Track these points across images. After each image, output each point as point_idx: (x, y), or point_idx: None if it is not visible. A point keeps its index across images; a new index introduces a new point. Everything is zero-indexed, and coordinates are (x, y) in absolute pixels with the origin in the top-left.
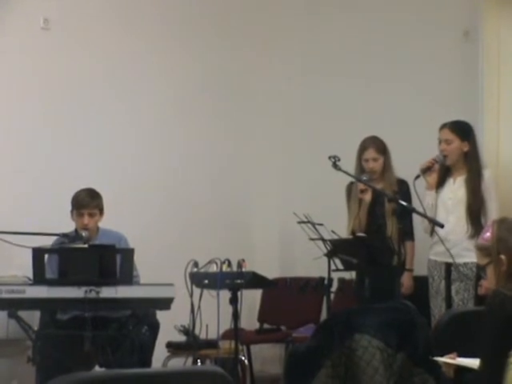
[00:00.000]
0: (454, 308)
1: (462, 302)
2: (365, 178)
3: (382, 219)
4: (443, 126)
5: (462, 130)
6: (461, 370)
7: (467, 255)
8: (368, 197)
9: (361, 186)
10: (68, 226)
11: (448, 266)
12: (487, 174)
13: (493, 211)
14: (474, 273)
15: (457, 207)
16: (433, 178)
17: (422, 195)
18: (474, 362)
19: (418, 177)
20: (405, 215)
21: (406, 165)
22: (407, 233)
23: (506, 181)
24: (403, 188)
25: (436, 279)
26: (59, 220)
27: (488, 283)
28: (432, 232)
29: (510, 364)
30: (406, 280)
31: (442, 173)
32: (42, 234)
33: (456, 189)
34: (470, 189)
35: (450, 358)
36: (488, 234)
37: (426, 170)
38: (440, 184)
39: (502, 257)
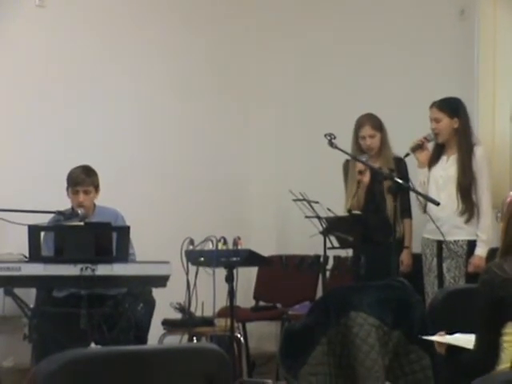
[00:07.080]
0: (447, 286)
1: (453, 280)
2: (364, 159)
3: (380, 197)
4: (432, 105)
5: (451, 107)
6: (452, 347)
7: (458, 233)
8: (366, 178)
9: (359, 166)
10: (64, 203)
11: (439, 243)
12: (479, 151)
13: (484, 189)
14: (465, 250)
15: (447, 184)
16: (423, 155)
17: (413, 173)
18: (462, 337)
19: (407, 155)
20: (403, 193)
21: (402, 143)
22: (405, 210)
23: (501, 157)
24: (401, 166)
25: (428, 257)
26: (56, 198)
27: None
28: (425, 210)
29: (504, 343)
30: (405, 258)
31: (437, 151)
32: (38, 212)
33: (448, 166)
34: (460, 166)
35: (439, 335)
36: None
37: (416, 148)
38: (434, 162)
39: (501, 225)
